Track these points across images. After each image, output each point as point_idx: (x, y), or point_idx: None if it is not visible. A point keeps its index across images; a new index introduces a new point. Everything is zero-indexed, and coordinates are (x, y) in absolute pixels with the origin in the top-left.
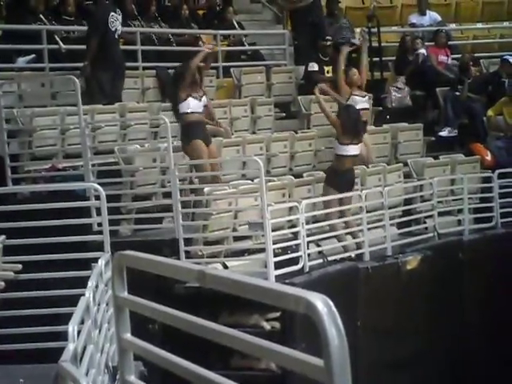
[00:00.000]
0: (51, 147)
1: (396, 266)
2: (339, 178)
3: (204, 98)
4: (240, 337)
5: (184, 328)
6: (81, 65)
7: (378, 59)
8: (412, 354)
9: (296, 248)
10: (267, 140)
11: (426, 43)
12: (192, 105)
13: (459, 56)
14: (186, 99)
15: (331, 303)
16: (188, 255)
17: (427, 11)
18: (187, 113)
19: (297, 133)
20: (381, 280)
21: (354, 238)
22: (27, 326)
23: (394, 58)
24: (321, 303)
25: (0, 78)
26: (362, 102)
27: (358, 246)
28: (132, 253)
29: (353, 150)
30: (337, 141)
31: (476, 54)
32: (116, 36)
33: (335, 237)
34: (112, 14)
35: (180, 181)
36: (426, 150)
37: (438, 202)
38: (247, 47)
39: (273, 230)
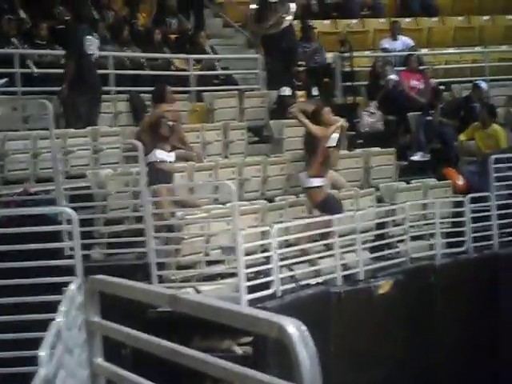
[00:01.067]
0: (23, 171)
1: (368, 291)
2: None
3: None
4: (212, 361)
5: (156, 353)
6: (54, 89)
7: (350, 84)
8: (385, 378)
9: (268, 272)
10: (240, 164)
11: (398, 68)
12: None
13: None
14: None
15: (304, 327)
16: (160, 280)
17: (399, 36)
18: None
19: (269, 157)
20: (353, 304)
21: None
22: None
23: (366, 82)
24: (293, 327)
25: None
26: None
27: (331, 270)
28: (104, 277)
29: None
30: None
31: (448, 79)
32: (92, 59)
33: (308, 261)
34: (89, 37)
35: (153, 205)
36: (399, 175)
37: (410, 226)
38: (220, 71)
39: (245, 255)
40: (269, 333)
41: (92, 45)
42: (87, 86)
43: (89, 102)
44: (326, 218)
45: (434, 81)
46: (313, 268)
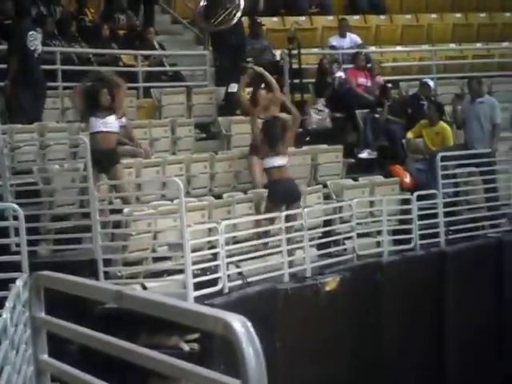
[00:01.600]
0: None
1: (315, 287)
2: (270, 190)
3: (123, 119)
4: (158, 358)
5: (102, 349)
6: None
7: (298, 81)
8: (332, 375)
9: (215, 269)
10: (187, 161)
11: (346, 65)
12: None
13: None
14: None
15: (249, 324)
16: (107, 276)
17: (348, 34)
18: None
19: (217, 154)
20: (300, 301)
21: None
22: None
23: (314, 80)
24: (238, 324)
25: None
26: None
27: (278, 267)
28: (50, 273)
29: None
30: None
31: (395, 77)
32: (36, 55)
33: (255, 258)
34: (31, 32)
35: (99, 201)
36: (346, 172)
37: (358, 223)
38: (168, 68)
39: (192, 251)
40: (214, 329)
41: (35, 40)
42: (31, 81)
43: (33, 97)
44: (273, 215)
45: (381, 78)
46: (260, 265)
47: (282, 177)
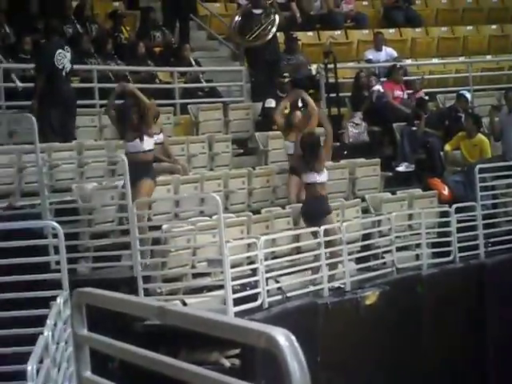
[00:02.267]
0: (8, 185)
1: (355, 302)
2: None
3: (160, 136)
4: (202, 373)
5: (144, 364)
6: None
7: (334, 95)
8: None
9: (255, 284)
10: (225, 176)
11: (382, 79)
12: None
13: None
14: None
15: (293, 337)
16: (147, 293)
17: (383, 47)
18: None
19: (254, 169)
20: (340, 315)
21: (313, 273)
22: None
23: (350, 93)
24: (283, 337)
25: None
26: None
27: (317, 281)
28: (92, 290)
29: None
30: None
31: (432, 90)
32: (64, 73)
33: (294, 273)
34: (59, 51)
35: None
36: (384, 185)
37: (396, 236)
38: (204, 84)
39: (231, 267)
40: (258, 343)
41: (64, 58)
42: (59, 99)
43: (62, 115)
44: (313, 229)
45: (420, 91)
46: (299, 279)
47: (314, 195)
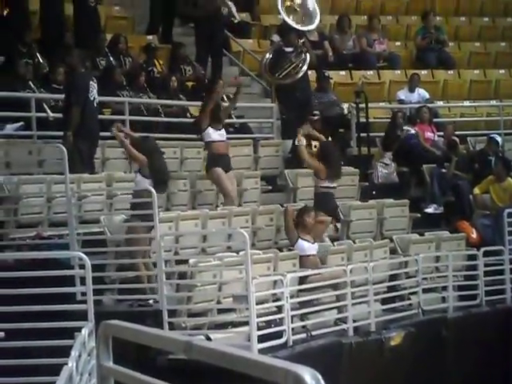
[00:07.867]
0: (37, 215)
1: (379, 342)
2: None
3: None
4: None
5: None
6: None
7: (365, 135)
8: None
9: (280, 322)
10: (253, 213)
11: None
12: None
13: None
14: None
15: (319, 376)
16: (171, 327)
17: (416, 88)
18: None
19: (283, 206)
20: (364, 356)
21: (338, 312)
22: None
23: (381, 133)
24: (309, 376)
25: None
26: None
27: (343, 320)
28: (118, 322)
29: None
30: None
31: (463, 132)
32: (94, 104)
33: (319, 311)
34: (91, 83)
35: (165, 251)
36: (412, 227)
37: (423, 278)
38: (235, 120)
39: (257, 303)
40: (284, 381)
41: (93, 89)
42: (89, 131)
43: (89, 147)
44: (339, 268)
45: (452, 133)
46: (324, 318)
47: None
